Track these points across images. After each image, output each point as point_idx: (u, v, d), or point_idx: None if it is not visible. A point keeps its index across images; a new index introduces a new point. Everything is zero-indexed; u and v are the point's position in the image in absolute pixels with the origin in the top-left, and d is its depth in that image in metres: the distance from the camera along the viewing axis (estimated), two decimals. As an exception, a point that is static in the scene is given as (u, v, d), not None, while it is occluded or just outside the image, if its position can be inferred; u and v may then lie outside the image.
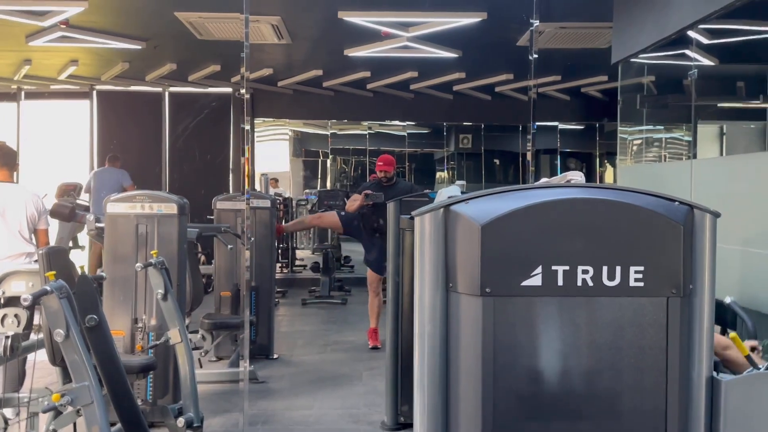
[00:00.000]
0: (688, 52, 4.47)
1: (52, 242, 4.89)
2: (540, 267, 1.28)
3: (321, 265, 8.34)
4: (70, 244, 8.37)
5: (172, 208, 3.79)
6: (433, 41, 6.88)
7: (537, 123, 10.88)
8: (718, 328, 2.24)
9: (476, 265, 1.29)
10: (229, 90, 10.06)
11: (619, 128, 5.85)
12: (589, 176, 11.48)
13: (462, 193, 2.29)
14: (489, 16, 5.92)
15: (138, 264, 3.35)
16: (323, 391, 4.63)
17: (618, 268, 1.28)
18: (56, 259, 2.74)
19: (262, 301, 5.50)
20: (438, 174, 12.25)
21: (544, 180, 1.72)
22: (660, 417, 1.30)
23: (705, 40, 4.37)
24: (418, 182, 10.94)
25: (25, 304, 2.23)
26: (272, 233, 5.78)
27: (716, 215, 1.33)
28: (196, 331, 4.71)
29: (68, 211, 4.52)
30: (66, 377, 2.78)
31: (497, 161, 12.33)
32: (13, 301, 2.97)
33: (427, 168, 12.21)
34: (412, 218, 1.39)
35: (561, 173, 1.89)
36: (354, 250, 9.46)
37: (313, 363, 5.39)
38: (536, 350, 1.30)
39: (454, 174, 12.08)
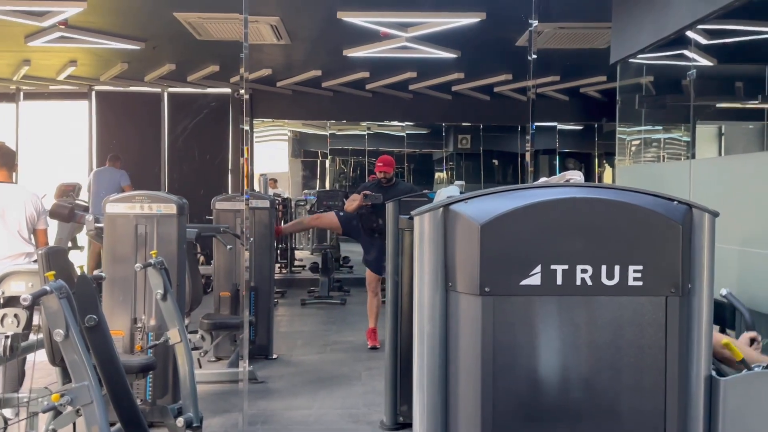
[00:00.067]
0: (686, 52, 4.48)
1: (52, 242, 4.89)
2: (539, 266, 1.28)
3: (320, 266, 8.34)
4: (69, 244, 8.37)
5: (171, 209, 3.79)
6: (432, 41, 6.88)
7: (536, 123, 10.87)
8: (719, 326, 2.25)
9: (475, 264, 1.29)
10: (228, 90, 10.05)
11: (617, 128, 5.86)
12: (588, 176, 11.49)
13: (461, 193, 2.29)
14: (488, 17, 5.92)
15: (137, 264, 3.35)
16: (322, 391, 4.63)
17: (617, 268, 1.28)
18: (56, 259, 2.74)
19: (262, 302, 5.50)
20: (437, 174, 12.25)
21: (543, 179, 1.72)
22: (659, 416, 1.30)
23: (704, 41, 4.37)
24: (416, 183, 10.95)
25: (25, 304, 2.23)
26: (271, 233, 5.78)
27: (715, 214, 1.33)
28: (196, 332, 4.72)
29: (67, 212, 4.52)
30: (66, 377, 2.78)
31: (496, 161, 12.34)
32: (12, 301, 2.97)
33: (426, 168, 12.21)
34: (411, 218, 1.40)
35: (560, 173, 1.89)
36: (353, 250, 9.46)
37: (313, 363, 5.39)
38: (535, 349, 1.31)
39: (452, 174, 12.09)
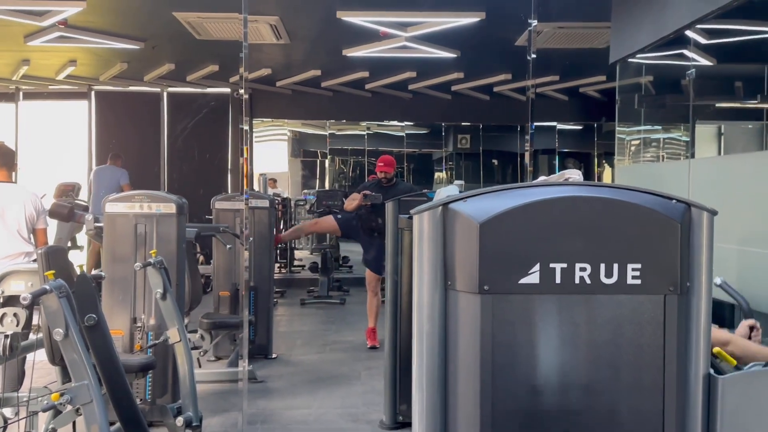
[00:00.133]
0: (686, 52, 4.48)
1: (51, 242, 4.89)
2: (538, 265, 1.28)
3: (319, 265, 8.34)
4: (69, 244, 8.37)
5: (170, 208, 3.80)
6: (432, 41, 6.89)
7: (535, 123, 10.89)
8: (718, 324, 2.25)
9: (474, 263, 1.29)
10: (227, 90, 10.05)
11: (616, 128, 5.86)
12: (588, 176, 11.49)
13: (460, 192, 2.29)
14: (487, 16, 5.93)
15: (137, 263, 3.35)
16: (322, 390, 4.63)
17: (615, 266, 1.28)
18: (55, 259, 2.74)
19: (261, 301, 5.50)
20: (436, 174, 12.26)
21: (542, 178, 1.72)
22: (657, 414, 1.31)
23: (703, 40, 4.38)
24: (416, 182, 10.96)
25: (25, 303, 2.24)
26: (271, 233, 5.78)
27: (713, 213, 1.34)
28: (195, 331, 4.72)
29: (67, 211, 4.52)
30: (65, 376, 2.78)
31: (495, 161, 12.34)
32: (12, 301, 2.97)
33: (426, 168, 12.21)
34: (410, 217, 1.40)
35: (559, 172, 1.90)
36: (352, 250, 9.47)
37: (312, 363, 5.39)
38: (534, 348, 1.31)
39: (452, 174, 12.09)
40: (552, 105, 10.81)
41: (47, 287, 2.28)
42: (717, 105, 4.93)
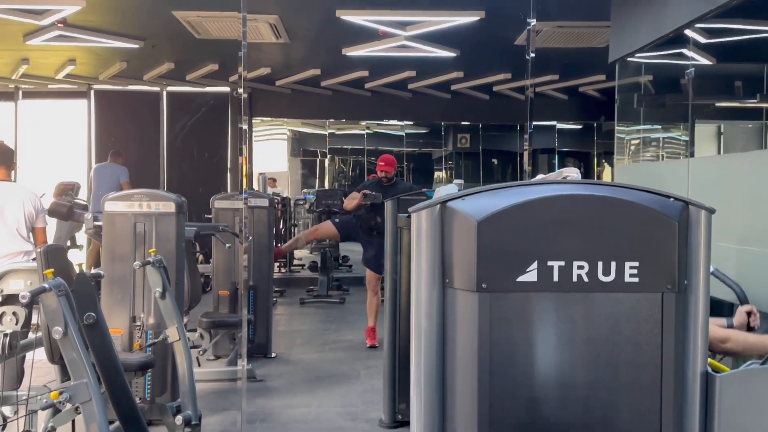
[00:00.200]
0: (685, 51, 4.48)
1: (50, 241, 4.89)
2: (536, 263, 1.28)
3: (319, 265, 8.34)
4: (68, 243, 8.37)
5: (170, 207, 3.80)
6: (431, 40, 6.89)
7: (535, 122, 10.91)
8: (721, 320, 2.25)
9: (472, 260, 1.29)
10: (227, 89, 10.06)
11: (616, 127, 5.87)
12: (587, 175, 11.49)
13: (459, 191, 2.29)
14: (487, 15, 5.93)
15: (136, 262, 3.35)
16: (321, 389, 4.63)
17: (613, 264, 1.29)
18: (54, 257, 2.74)
19: (260, 300, 5.50)
20: (436, 174, 12.26)
21: (540, 176, 1.72)
22: (655, 412, 1.31)
23: (702, 39, 4.38)
24: (416, 182, 10.95)
25: (24, 301, 2.24)
26: (270, 232, 5.78)
27: (711, 211, 1.34)
28: (195, 330, 4.72)
29: (66, 210, 4.52)
30: (64, 375, 2.79)
31: (495, 161, 12.35)
32: (11, 299, 2.97)
33: (426, 168, 12.22)
34: (409, 216, 1.40)
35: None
36: (352, 249, 9.47)
37: (312, 362, 5.39)
38: (532, 345, 1.31)
39: (452, 174, 12.10)
40: (551, 104, 10.81)
41: (46, 286, 2.28)
42: (716, 104, 4.93)
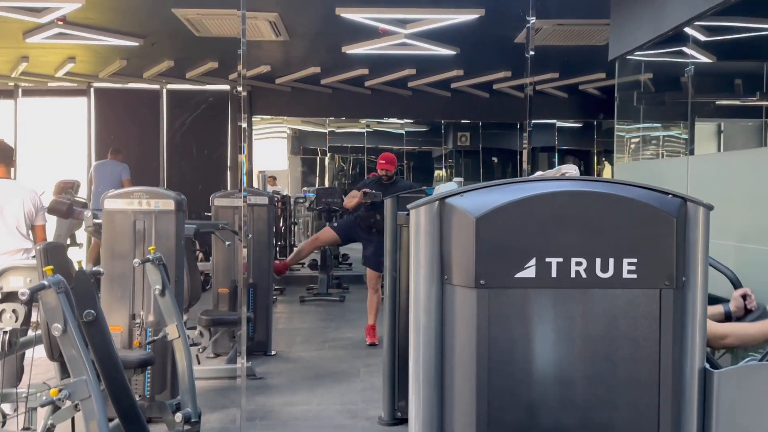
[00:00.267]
0: (685, 49, 4.48)
1: (50, 239, 4.89)
2: (534, 259, 1.29)
3: (319, 263, 8.34)
4: (68, 241, 8.37)
5: (169, 205, 3.80)
6: (431, 38, 6.88)
7: (535, 120, 10.90)
8: (718, 307, 2.25)
9: (471, 257, 1.29)
10: (226, 87, 10.05)
11: (616, 126, 5.86)
12: (587, 174, 11.49)
13: (458, 188, 2.29)
14: (486, 13, 5.92)
15: (136, 260, 3.36)
16: (321, 387, 4.64)
17: (611, 260, 1.29)
18: (54, 255, 2.74)
19: (260, 298, 5.51)
20: (436, 172, 12.26)
21: (538, 173, 1.73)
22: (653, 407, 1.31)
23: (702, 37, 4.37)
24: (416, 180, 10.95)
25: (23, 298, 2.24)
26: (270, 230, 5.78)
27: (709, 208, 1.34)
28: (194, 328, 4.72)
29: (66, 208, 4.52)
30: (64, 372, 2.78)
31: (495, 159, 12.34)
32: (10, 297, 2.97)
33: (426, 166, 12.21)
34: (408, 213, 1.40)
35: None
36: (352, 247, 9.45)
37: (311, 359, 5.40)
38: (530, 341, 1.31)
39: (452, 172, 12.09)
40: (551, 102, 10.80)
41: (45, 283, 2.28)
42: (716, 102, 4.93)
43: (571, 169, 1.69)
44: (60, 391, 2.34)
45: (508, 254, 1.29)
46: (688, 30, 4.31)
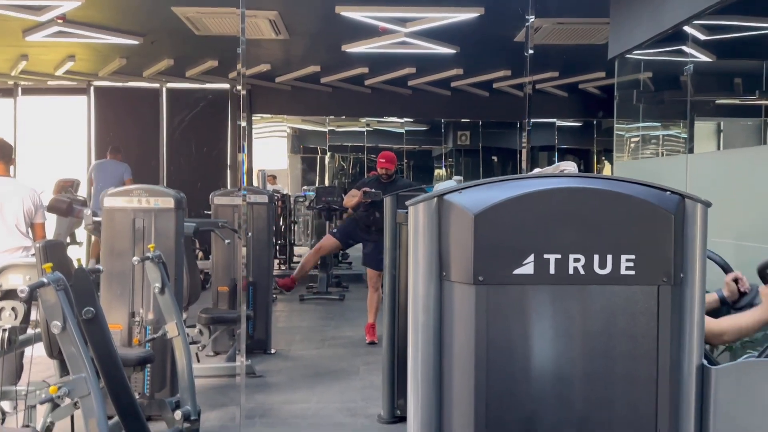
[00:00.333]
0: (684, 47, 4.48)
1: (50, 237, 4.89)
2: (532, 255, 1.29)
3: (319, 262, 8.34)
4: (68, 239, 8.37)
5: (169, 203, 3.79)
6: (431, 37, 6.89)
7: (534, 119, 10.90)
8: (712, 295, 2.25)
9: (469, 253, 1.29)
10: (226, 86, 10.05)
11: (615, 125, 5.87)
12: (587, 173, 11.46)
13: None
14: (486, 12, 5.92)
15: (135, 258, 3.36)
16: (321, 385, 4.64)
17: (609, 257, 1.29)
18: (53, 252, 2.74)
19: (260, 296, 5.51)
20: (436, 171, 12.26)
21: (537, 170, 1.73)
22: (651, 404, 1.31)
23: (701, 36, 4.38)
24: (416, 179, 10.97)
25: (22, 295, 2.24)
26: (270, 228, 5.78)
27: (707, 204, 1.34)
28: (194, 326, 4.72)
29: (65, 206, 4.52)
30: (63, 370, 2.78)
31: (495, 158, 12.35)
32: (10, 295, 2.97)
33: (425, 165, 12.22)
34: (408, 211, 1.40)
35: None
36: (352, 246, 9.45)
37: (311, 358, 5.40)
38: (528, 338, 1.31)
39: (452, 171, 12.10)
40: (551, 101, 10.80)
41: (45, 280, 2.28)
42: (716, 101, 4.94)
43: (570, 166, 1.69)
44: (59, 388, 2.35)
45: (506, 251, 1.29)
46: (687, 29, 4.31)
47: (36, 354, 2.76)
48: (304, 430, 3.87)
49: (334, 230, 6.45)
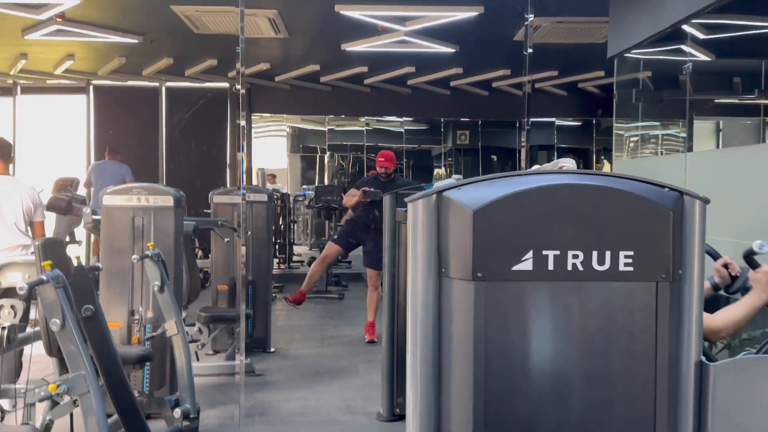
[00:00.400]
0: (683, 46, 4.49)
1: (49, 236, 4.89)
2: (531, 252, 1.29)
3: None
4: (67, 238, 8.37)
5: (168, 201, 3.79)
6: (430, 36, 6.89)
7: (534, 119, 10.89)
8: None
9: (468, 250, 1.30)
10: (225, 85, 10.05)
11: (614, 124, 5.87)
12: (586, 172, 11.46)
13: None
14: (485, 11, 5.93)
15: (134, 256, 3.36)
16: (320, 383, 4.64)
17: (608, 253, 1.29)
18: (52, 250, 2.74)
19: (259, 295, 5.51)
20: (435, 170, 12.26)
21: (536, 167, 1.73)
22: (649, 400, 1.32)
23: (700, 35, 4.38)
24: (415, 178, 10.97)
25: (21, 293, 2.24)
26: (269, 227, 5.78)
27: (705, 201, 1.34)
28: (193, 324, 4.73)
29: (65, 204, 4.52)
30: (63, 368, 2.78)
31: (494, 157, 12.35)
32: (9, 293, 2.97)
33: (425, 164, 12.22)
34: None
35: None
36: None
37: (310, 356, 5.40)
38: (527, 334, 1.32)
39: (452, 170, 12.10)
40: (551, 100, 10.80)
41: (44, 277, 2.28)
42: (715, 100, 4.94)
43: (569, 163, 1.70)
44: (59, 386, 2.35)
45: (505, 247, 1.30)
46: (686, 27, 4.31)
47: (35, 352, 2.76)
48: (303, 428, 3.87)
49: (335, 236, 6.45)
